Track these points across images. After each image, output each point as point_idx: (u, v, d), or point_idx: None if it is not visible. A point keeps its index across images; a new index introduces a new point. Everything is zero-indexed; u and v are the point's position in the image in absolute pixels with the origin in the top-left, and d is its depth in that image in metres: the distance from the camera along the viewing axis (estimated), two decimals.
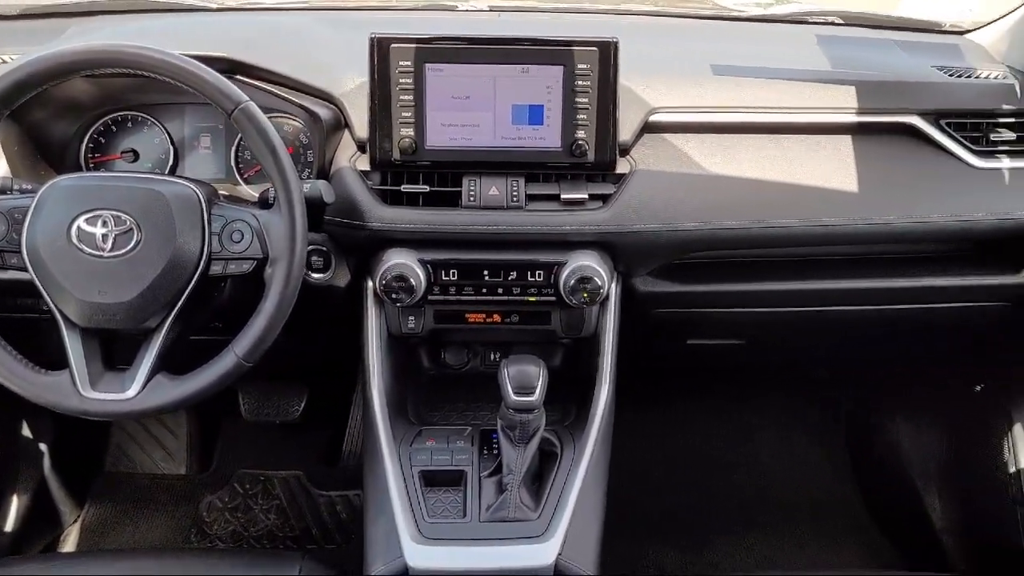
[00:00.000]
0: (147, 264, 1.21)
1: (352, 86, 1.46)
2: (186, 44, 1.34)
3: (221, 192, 1.37)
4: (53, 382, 1.23)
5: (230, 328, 1.25)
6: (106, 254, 1.21)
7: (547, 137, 1.39)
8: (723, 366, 2.23)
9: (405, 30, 1.36)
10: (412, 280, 1.39)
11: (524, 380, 1.28)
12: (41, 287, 1.22)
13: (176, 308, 1.23)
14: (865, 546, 2.17)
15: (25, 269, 1.22)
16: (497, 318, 1.51)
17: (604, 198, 1.43)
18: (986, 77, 1.60)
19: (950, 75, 1.59)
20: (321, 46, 1.58)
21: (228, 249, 1.25)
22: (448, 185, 1.42)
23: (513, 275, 1.44)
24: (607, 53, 1.35)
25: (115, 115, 1.59)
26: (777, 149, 1.50)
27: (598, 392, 1.45)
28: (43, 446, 2.11)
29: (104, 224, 1.21)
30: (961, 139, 1.53)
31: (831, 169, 1.50)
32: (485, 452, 1.42)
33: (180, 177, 1.33)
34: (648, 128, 1.47)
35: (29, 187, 1.30)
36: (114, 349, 1.28)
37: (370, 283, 1.46)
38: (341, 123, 1.46)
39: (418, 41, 1.35)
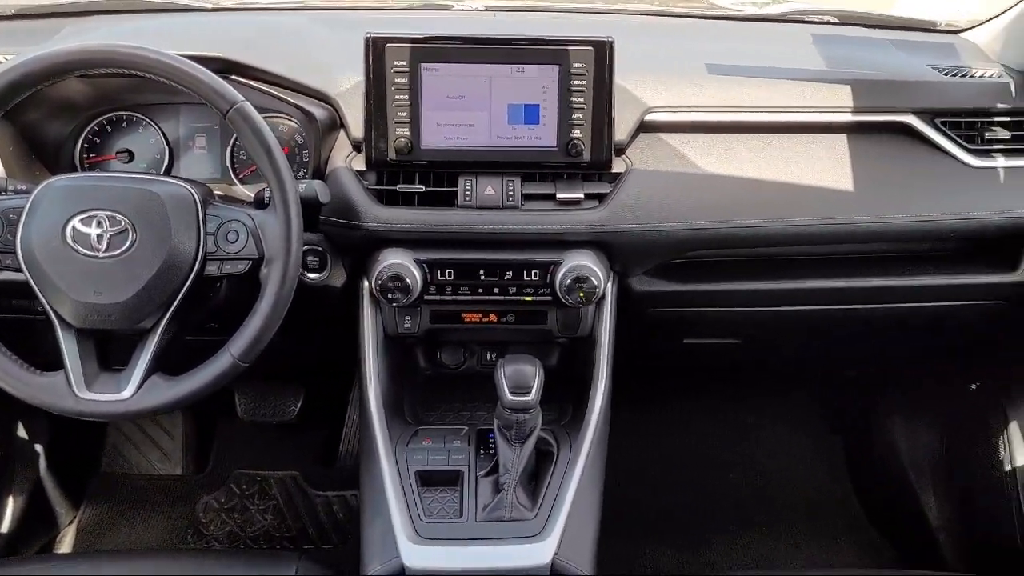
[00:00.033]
0: (142, 264, 1.21)
1: (347, 86, 1.46)
2: (181, 44, 1.34)
3: (216, 192, 1.37)
4: (48, 383, 1.22)
5: (226, 328, 1.25)
6: (101, 254, 1.21)
7: (543, 137, 1.39)
8: (719, 365, 2.23)
9: (400, 30, 1.36)
10: (408, 280, 1.39)
11: (520, 380, 1.28)
12: (36, 288, 1.22)
13: (171, 308, 1.23)
14: (862, 545, 2.17)
15: (20, 270, 1.22)
16: (493, 318, 1.50)
17: (600, 197, 1.44)
18: (981, 76, 1.60)
19: (945, 74, 1.59)
20: (316, 46, 1.57)
21: (223, 249, 1.25)
22: (444, 185, 1.42)
23: (509, 275, 1.44)
24: (603, 52, 1.35)
25: (110, 115, 1.59)
26: (773, 148, 1.50)
27: (594, 391, 1.45)
28: (39, 447, 2.11)
29: (99, 224, 1.21)
30: (956, 138, 1.53)
31: (827, 168, 1.50)
32: (481, 452, 1.42)
33: (175, 177, 1.33)
34: (644, 127, 1.47)
35: (24, 187, 1.30)
36: (109, 350, 1.27)
37: (366, 283, 1.46)
38: (337, 123, 1.46)
39: (413, 41, 1.35)
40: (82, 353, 1.23)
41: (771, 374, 2.41)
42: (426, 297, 1.44)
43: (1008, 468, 1.85)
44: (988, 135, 1.54)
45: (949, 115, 1.54)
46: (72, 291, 1.21)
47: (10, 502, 2.02)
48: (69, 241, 1.21)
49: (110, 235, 1.21)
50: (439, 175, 1.42)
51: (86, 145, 1.60)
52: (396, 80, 1.36)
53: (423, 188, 1.41)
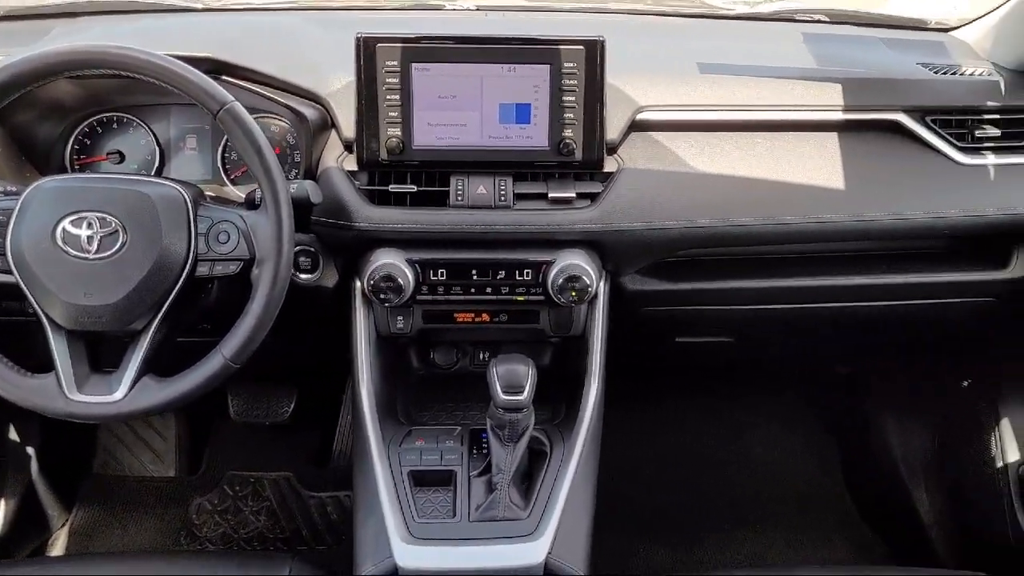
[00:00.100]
0: (133, 266, 1.21)
1: (338, 86, 1.45)
2: (171, 45, 1.33)
3: (207, 193, 1.37)
4: (39, 385, 1.22)
5: (217, 329, 1.25)
6: (91, 256, 1.20)
7: (534, 136, 1.39)
8: (713, 364, 2.24)
9: (391, 30, 1.35)
10: (400, 280, 1.39)
11: (513, 379, 1.28)
12: (26, 290, 1.21)
13: (163, 310, 1.23)
14: (855, 541, 2.18)
15: (10, 272, 1.22)
16: (486, 317, 1.51)
17: (592, 197, 1.44)
18: (971, 74, 1.61)
19: (935, 72, 1.60)
20: (307, 46, 1.57)
21: (215, 250, 1.25)
22: (436, 185, 1.42)
23: (501, 274, 1.44)
24: (594, 52, 1.36)
25: (100, 116, 1.59)
26: (764, 147, 1.51)
27: (587, 390, 1.45)
28: (30, 449, 2.10)
29: (89, 226, 1.21)
30: (946, 136, 1.54)
31: (818, 166, 1.50)
32: (474, 452, 1.42)
33: (166, 178, 1.32)
34: (635, 127, 1.47)
35: (13, 189, 1.29)
36: (100, 351, 1.27)
37: (358, 283, 1.46)
38: (328, 123, 1.46)
39: (404, 41, 1.35)
40: (73, 355, 1.22)
41: (764, 372, 2.41)
42: (418, 297, 1.44)
43: (999, 464, 1.86)
44: (978, 133, 1.54)
45: (939, 113, 1.54)
46: (62, 293, 1.20)
47: (2, 505, 2.01)
48: (59, 242, 1.20)
49: (100, 236, 1.21)
50: (431, 175, 1.42)
51: (76, 146, 1.59)
52: (387, 80, 1.36)
53: (415, 188, 1.41)
